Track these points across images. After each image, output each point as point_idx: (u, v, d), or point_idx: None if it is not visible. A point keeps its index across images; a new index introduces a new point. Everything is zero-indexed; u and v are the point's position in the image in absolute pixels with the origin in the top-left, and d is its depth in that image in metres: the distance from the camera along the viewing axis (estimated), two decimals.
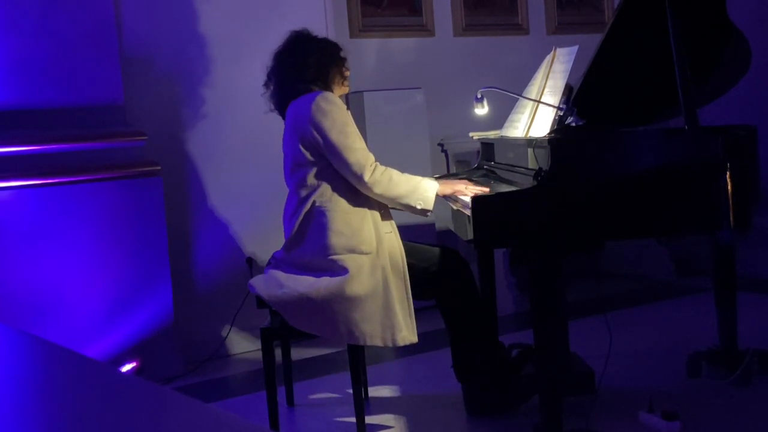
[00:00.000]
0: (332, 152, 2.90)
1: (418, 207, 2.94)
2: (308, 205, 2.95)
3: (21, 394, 1.07)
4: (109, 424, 0.93)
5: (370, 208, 2.96)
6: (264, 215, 4.38)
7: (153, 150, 4.06)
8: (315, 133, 2.91)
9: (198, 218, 4.32)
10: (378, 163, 2.92)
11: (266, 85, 3.13)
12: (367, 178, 2.87)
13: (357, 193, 2.94)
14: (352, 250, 2.88)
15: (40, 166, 3.72)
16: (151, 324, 3.90)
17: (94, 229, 3.80)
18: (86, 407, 1.00)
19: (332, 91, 3.04)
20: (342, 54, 3.11)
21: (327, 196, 2.93)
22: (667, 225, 2.71)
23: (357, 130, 2.96)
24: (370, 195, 2.93)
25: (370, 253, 2.89)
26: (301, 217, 2.96)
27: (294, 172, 3.02)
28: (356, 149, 2.89)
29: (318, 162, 2.94)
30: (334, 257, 2.88)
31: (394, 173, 2.93)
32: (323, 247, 2.90)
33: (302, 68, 3.02)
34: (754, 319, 3.80)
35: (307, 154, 2.95)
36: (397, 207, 2.99)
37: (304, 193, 2.97)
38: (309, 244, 2.94)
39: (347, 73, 3.13)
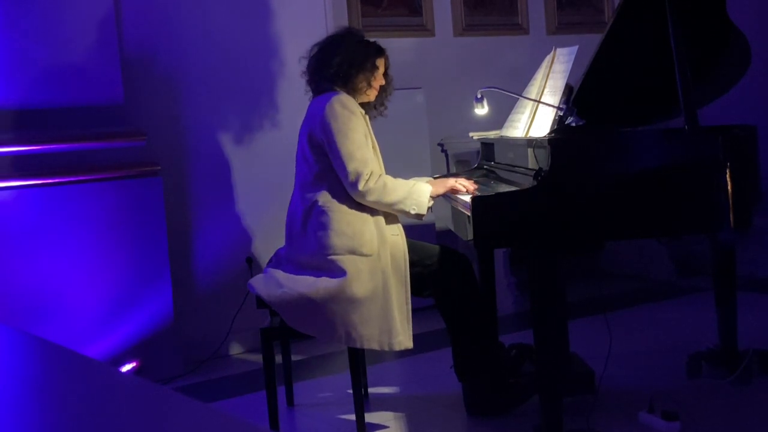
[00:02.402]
0: (333, 155, 2.91)
1: (412, 212, 2.94)
2: (311, 203, 2.95)
3: (21, 394, 1.07)
4: (109, 424, 0.93)
5: (374, 210, 2.96)
6: (264, 215, 4.39)
7: (153, 150, 4.06)
8: (322, 133, 2.92)
9: (198, 218, 4.32)
10: (374, 171, 2.91)
11: (304, 75, 3.14)
12: (360, 187, 2.87)
13: None
14: (353, 252, 2.88)
15: (40, 166, 3.72)
16: (151, 324, 3.89)
17: (94, 229, 3.80)
18: (86, 407, 1.00)
19: (354, 95, 3.03)
20: (377, 62, 3.07)
21: (330, 196, 2.94)
22: (667, 225, 2.71)
23: (365, 138, 2.95)
24: (364, 203, 2.93)
25: (371, 255, 2.89)
26: (303, 215, 2.96)
27: (301, 168, 3.04)
28: (356, 158, 2.88)
29: (323, 161, 2.95)
30: (333, 257, 2.88)
31: (389, 180, 2.92)
32: (323, 247, 2.90)
33: (325, 68, 3.02)
34: (754, 319, 3.80)
35: (314, 153, 2.96)
36: (393, 212, 3.00)
37: (308, 190, 2.98)
38: (310, 242, 2.95)
39: (375, 83, 3.08)
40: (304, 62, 3.14)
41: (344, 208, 2.92)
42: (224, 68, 4.38)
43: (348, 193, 2.93)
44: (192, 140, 4.32)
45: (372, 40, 3.15)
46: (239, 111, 4.41)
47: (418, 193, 2.94)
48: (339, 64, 3.00)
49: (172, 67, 4.26)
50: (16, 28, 3.73)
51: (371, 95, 3.10)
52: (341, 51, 3.02)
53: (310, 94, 3.15)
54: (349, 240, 2.89)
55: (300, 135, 3.09)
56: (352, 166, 2.87)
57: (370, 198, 2.90)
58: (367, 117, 3.06)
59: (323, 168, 2.95)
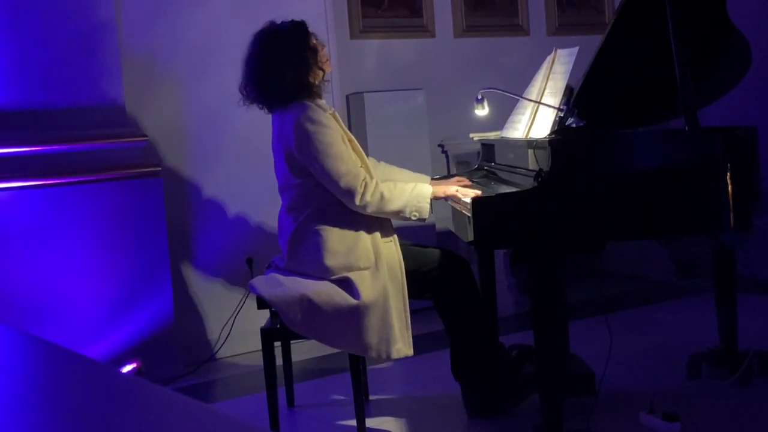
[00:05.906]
0: (321, 177, 2.86)
1: (413, 218, 2.92)
2: (301, 224, 2.92)
3: (21, 395, 1.07)
4: (109, 425, 0.93)
5: (366, 220, 2.92)
6: (264, 216, 4.38)
7: (153, 150, 4.06)
8: (301, 156, 2.87)
9: (198, 218, 4.32)
10: (367, 181, 2.86)
11: (244, 93, 3.05)
12: (357, 202, 2.83)
13: (350, 209, 2.90)
14: (350, 268, 2.86)
15: (40, 167, 3.72)
16: (151, 324, 3.89)
17: (95, 229, 3.80)
18: (86, 408, 1.00)
19: (315, 89, 2.97)
20: (312, 43, 2.98)
21: (319, 216, 2.90)
22: (667, 226, 2.71)
23: (343, 145, 2.88)
24: (366, 214, 2.90)
25: (369, 267, 2.88)
26: (294, 236, 2.93)
27: (285, 189, 2.99)
28: (344, 173, 2.83)
29: (308, 182, 2.91)
30: (334, 278, 2.87)
31: (386, 189, 2.87)
32: (321, 270, 2.88)
33: (279, 88, 2.93)
34: (754, 320, 3.80)
35: (297, 175, 2.91)
36: (394, 219, 2.97)
37: (295, 212, 2.95)
38: (305, 263, 2.92)
39: (324, 61, 2.99)
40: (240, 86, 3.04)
41: (335, 224, 2.89)
42: (224, 68, 4.37)
43: (337, 209, 2.89)
44: (192, 141, 4.32)
45: (282, 21, 3.02)
46: (239, 111, 4.39)
47: (418, 198, 2.90)
48: (292, 79, 2.91)
49: (172, 68, 4.26)
50: (16, 29, 3.73)
51: (327, 70, 3.04)
52: (285, 63, 2.91)
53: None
54: (344, 257, 2.87)
55: (274, 152, 3.02)
56: (343, 183, 2.83)
57: (369, 211, 2.86)
58: (336, 114, 3.00)
59: (310, 187, 2.91)
